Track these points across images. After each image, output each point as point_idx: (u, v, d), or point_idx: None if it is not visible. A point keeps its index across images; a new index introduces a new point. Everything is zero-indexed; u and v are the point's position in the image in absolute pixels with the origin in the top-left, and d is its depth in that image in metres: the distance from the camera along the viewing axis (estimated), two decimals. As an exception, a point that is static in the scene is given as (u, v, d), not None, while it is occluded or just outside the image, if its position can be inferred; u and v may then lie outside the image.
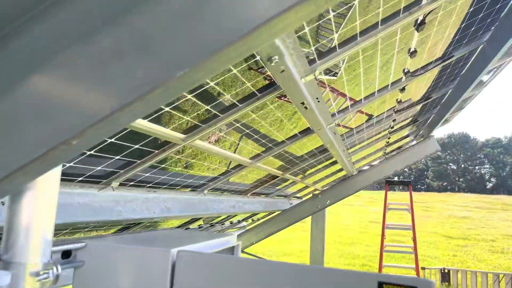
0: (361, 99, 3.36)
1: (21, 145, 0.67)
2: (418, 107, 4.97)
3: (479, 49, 3.27)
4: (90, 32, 0.66)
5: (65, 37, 0.67)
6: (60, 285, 2.34)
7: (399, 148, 7.70)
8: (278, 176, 4.91)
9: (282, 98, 2.65)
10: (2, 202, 1.19)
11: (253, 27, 0.60)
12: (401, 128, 6.14)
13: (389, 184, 9.46)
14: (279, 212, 6.89)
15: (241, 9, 0.59)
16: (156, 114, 2.03)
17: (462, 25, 2.84)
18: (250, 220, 7.37)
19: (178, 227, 4.60)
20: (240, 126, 2.76)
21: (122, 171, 2.39)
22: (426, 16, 2.29)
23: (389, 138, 6.25)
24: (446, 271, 12.72)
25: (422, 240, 22.41)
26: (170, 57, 0.62)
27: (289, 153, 4.20)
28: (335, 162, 5.71)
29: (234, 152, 3.29)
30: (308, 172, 5.81)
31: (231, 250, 1.49)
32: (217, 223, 5.81)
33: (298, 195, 7.99)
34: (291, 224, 6.80)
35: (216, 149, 2.82)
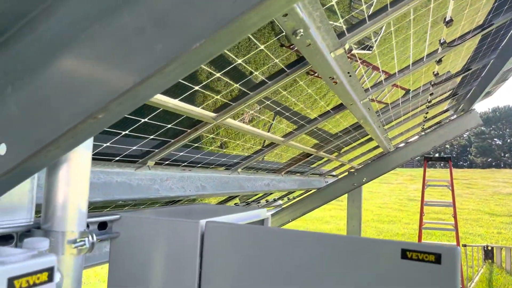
0: (396, 73, 3.27)
1: (52, 120, 0.71)
2: (458, 79, 4.78)
3: (522, 15, 3.10)
4: (110, 11, 0.69)
5: (88, 17, 0.70)
6: (101, 261, 2.48)
7: (438, 123, 7.46)
8: (312, 154, 4.90)
9: (313, 74, 2.63)
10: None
11: (266, -4, 0.60)
12: (440, 102, 5.94)
13: (428, 161, 9.23)
14: (314, 190, 6.89)
15: (253, -22, 0.60)
16: (187, 93, 2.07)
17: (503, -10, 2.70)
18: (285, 199, 7.42)
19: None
20: (271, 104, 2.77)
21: (157, 150, 2.46)
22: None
23: (427, 113, 6.06)
24: (489, 248, 12.38)
25: (464, 217, 21.81)
26: (186, 30, 0.63)
27: (323, 130, 4.17)
28: (370, 139, 5.63)
29: (268, 131, 3.31)
30: (343, 150, 5.76)
31: (261, 223, 1.52)
32: (253, 201, 5.89)
33: (333, 173, 7.94)
34: (327, 202, 6.80)
35: (247, 127, 2.85)
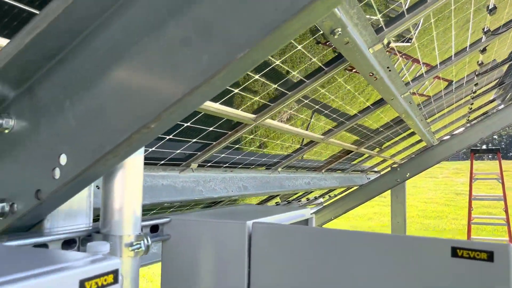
0: (437, 65, 3.18)
1: (109, 131, 0.76)
2: (504, 67, 4.58)
3: None
4: (158, 24, 0.73)
5: (137, 31, 0.74)
6: (153, 261, 2.56)
7: (484, 113, 7.17)
8: (352, 151, 4.84)
9: (352, 69, 2.60)
10: (97, 186, 1.34)
11: (308, 2, 0.62)
12: (486, 92, 5.70)
13: (475, 153, 8.88)
14: (356, 187, 6.80)
15: (294, -14, 0.61)
16: (227, 97, 2.11)
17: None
18: (327, 197, 7.36)
19: (256, 204, 4.74)
20: (309, 102, 2.76)
21: (199, 153, 2.52)
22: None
23: (472, 104, 5.84)
24: (545, 243, 11.74)
25: (516, 211, 20.78)
26: (230, 40, 0.66)
27: (363, 126, 4.12)
28: (413, 133, 5.49)
29: (307, 129, 3.31)
30: (384, 145, 5.65)
31: (305, 222, 1.53)
32: (294, 200, 5.89)
33: (375, 169, 7.80)
34: (369, 199, 6.69)
35: (286, 126, 2.86)
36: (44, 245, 0.90)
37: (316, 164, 4.76)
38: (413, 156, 6.85)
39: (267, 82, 2.16)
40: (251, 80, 2.10)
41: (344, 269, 1.04)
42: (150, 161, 2.28)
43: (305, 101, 2.74)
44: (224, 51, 0.67)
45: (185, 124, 2.14)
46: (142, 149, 1.02)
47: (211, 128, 2.34)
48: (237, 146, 2.86)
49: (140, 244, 0.97)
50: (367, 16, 1.82)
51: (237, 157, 3.02)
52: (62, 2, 0.72)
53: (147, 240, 0.98)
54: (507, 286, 0.84)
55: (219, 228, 1.17)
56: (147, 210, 2.66)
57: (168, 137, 2.17)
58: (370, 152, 5.47)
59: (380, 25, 2.01)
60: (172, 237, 1.23)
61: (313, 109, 3.00)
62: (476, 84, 4.51)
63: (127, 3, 0.75)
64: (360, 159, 5.90)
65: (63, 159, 0.82)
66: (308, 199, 6.58)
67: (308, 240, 1.07)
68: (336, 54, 2.18)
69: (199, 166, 2.68)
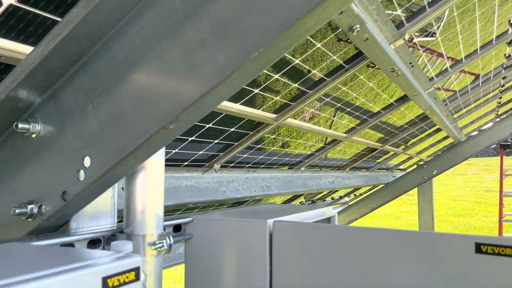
0: (462, 58, 3.11)
1: (129, 133, 0.78)
2: (534, 59, 4.42)
3: None
4: (175, 27, 0.74)
5: (155, 35, 0.76)
6: (179, 261, 2.58)
7: (514, 108, 6.95)
8: (377, 149, 4.78)
9: (374, 66, 2.57)
10: (122, 187, 1.37)
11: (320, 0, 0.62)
12: (515, 85, 5.53)
13: (505, 149, 8.61)
14: (382, 185, 6.70)
15: (307, -16, 0.61)
16: (248, 97, 2.12)
17: None
18: (352, 196, 7.29)
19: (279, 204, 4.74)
20: (331, 101, 2.75)
21: (222, 153, 2.54)
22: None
23: (500, 97, 5.68)
24: None
25: (551, 208, 20.08)
26: (245, 40, 0.67)
27: (387, 123, 4.06)
28: (439, 130, 5.37)
29: (330, 128, 3.29)
30: (410, 142, 5.55)
31: (328, 221, 1.53)
32: (318, 199, 5.86)
33: (401, 167, 7.67)
34: (396, 197, 6.58)
35: (308, 125, 2.85)
36: (70, 245, 0.93)
37: (340, 162, 4.72)
38: (440, 153, 6.70)
39: (288, 81, 2.16)
40: (272, 79, 2.11)
41: (366, 266, 1.03)
42: (173, 163, 2.31)
43: (327, 100, 2.72)
44: (239, 51, 0.67)
45: (207, 126, 2.16)
46: (163, 150, 1.03)
47: (232, 129, 2.36)
48: (259, 146, 2.87)
49: (162, 243, 0.99)
50: (388, 12, 1.79)
51: (260, 157, 3.03)
52: (82, 9, 0.75)
53: (170, 239, 1.00)
54: None
55: (240, 227, 1.18)
56: (172, 211, 2.69)
57: (190, 139, 2.19)
58: (395, 150, 5.39)
59: (401, 20, 1.98)
60: (194, 236, 1.24)
61: (335, 107, 2.98)
62: (504, 78, 4.39)
63: (144, 9, 0.77)
64: (385, 157, 5.82)
65: (87, 162, 0.84)
66: (332, 198, 6.53)
67: (329, 238, 1.07)
68: (357, 51, 2.17)
69: (222, 166, 2.70)
